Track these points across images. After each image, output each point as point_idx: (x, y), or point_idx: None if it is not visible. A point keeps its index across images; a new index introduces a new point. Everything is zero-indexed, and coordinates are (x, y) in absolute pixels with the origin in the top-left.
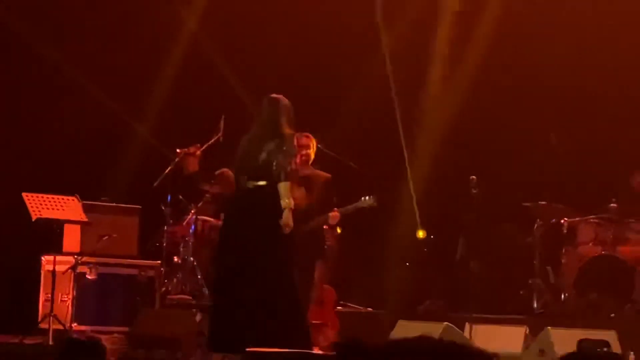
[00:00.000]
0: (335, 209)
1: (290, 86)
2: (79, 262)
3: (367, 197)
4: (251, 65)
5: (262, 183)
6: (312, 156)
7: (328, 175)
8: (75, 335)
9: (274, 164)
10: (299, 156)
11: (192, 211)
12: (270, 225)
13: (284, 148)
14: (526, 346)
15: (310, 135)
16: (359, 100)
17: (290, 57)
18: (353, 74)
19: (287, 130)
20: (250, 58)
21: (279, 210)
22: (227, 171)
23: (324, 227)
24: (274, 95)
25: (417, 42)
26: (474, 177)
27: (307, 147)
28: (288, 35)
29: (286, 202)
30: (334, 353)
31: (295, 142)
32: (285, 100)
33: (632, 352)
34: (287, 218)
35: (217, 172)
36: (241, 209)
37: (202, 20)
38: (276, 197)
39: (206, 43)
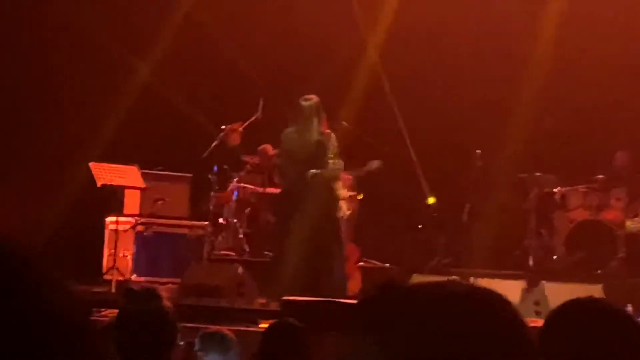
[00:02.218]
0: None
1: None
2: (138, 222)
3: (373, 162)
4: (286, 51)
5: (313, 171)
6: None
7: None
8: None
9: (325, 158)
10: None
11: (235, 179)
12: (324, 204)
13: (328, 143)
14: (523, 298)
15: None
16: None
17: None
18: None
19: (326, 129)
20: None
21: (330, 193)
22: (266, 146)
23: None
24: (309, 95)
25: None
26: (479, 151)
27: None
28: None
29: (339, 186)
30: (374, 293)
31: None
32: (317, 99)
33: (629, 305)
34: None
35: (259, 148)
36: (299, 193)
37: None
38: (326, 182)
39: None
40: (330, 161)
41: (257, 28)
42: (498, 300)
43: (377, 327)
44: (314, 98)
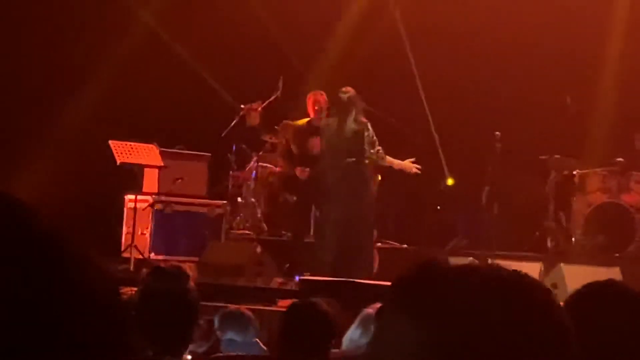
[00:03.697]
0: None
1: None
2: (157, 200)
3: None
4: (303, 33)
5: (351, 160)
6: (325, 111)
7: None
8: (158, 264)
9: (363, 147)
10: (313, 110)
11: (254, 158)
12: (360, 192)
13: (367, 133)
14: (541, 280)
15: (323, 93)
16: (384, 61)
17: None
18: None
19: (364, 119)
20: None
21: (365, 182)
22: (287, 122)
23: None
24: (345, 88)
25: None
26: (498, 132)
27: (320, 102)
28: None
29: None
30: (411, 274)
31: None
32: (354, 91)
33: None
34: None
35: (279, 126)
36: (340, 179)
37: None
38: (365, 170)
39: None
40: (373, 150)
41: (281, 6)
42: (538, 287)
43: (421, 310)
44: (350, 90)
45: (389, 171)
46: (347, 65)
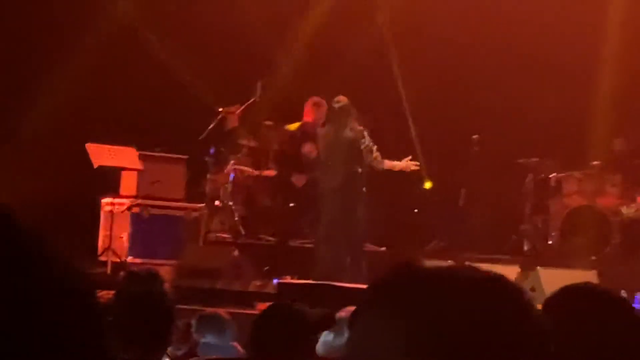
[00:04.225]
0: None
1: (312, 53)
2: (134, 203)
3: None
4: (283, 36)
5: (348, 167)
6: (323, 117)
7: None
8: (133, 268)
9: (360, 154)
10: (314, 115)
11: (232, 162)
12: (357, 200)
13: (364, 140)
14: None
15: (323, 102)
16: (364, 64)
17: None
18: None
19: (360, 126)
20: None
21: (362, 187)
22: (266, 123)
23: None
24: (338, 97)
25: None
26: (476, 136)
27: (322, 109)
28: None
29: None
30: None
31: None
32: (347, 100)
33: (623, 290)
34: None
35: (262, 128)
36: (336, 187)
37: None
38: (361, 178)
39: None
40: (372, 156)
41: (260, 10)
42: (513, 288)
43: (398, 311)
44: (343, 100)
45: (367, 174)
46: (328, 68)
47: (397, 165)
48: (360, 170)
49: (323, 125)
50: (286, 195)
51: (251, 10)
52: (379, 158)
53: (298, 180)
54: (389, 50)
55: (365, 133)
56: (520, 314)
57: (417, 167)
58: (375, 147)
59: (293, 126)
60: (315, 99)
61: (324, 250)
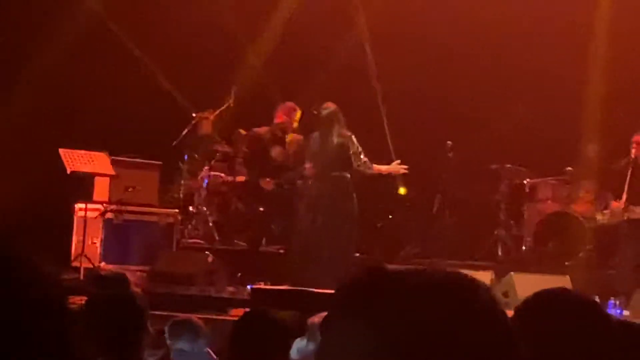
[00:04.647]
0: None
1: (287, 59)
2: (107, 209)
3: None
4: (256, 42)
5: (336, 173)
6: (295, 123)
7: (302, 137)
8: (102, 271)
9: (347, 159)
10: (285, 120)
11: (206, 167)
12: (344, 204)
13: (352, 145)
14: (492, 288)
15: (294, 106)
16: (339, 71)
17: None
18: (332, 47)
19: (346, 132)
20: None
21: (350, 194)
22: (239, 131)
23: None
24: (326, 104)
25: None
26: (450, 142)
27: (293, 114)
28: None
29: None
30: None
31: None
32: (334, 107)
33: (597, 296)
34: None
35: (235, 134)
36: (324, 192)
37: None
38: (348, 184)
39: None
40: (360, 161)
41: (233, 15)
42: (478, 287)
43: (366, 314)
44: (331, 106)
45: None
46: (302, 74)
47: (386, 169)
48: (348, 176)
49: (294, 130)
50: (257, 199)
51: (225, 16)
52: (368, 163)
53: (266, 184)
54: (365, 56)
55: (353, 138)
56: (485, 312)
57: (406, 170)
58: (362, 152)
59: (263, 130)
60: (288, 104)
61: (312, 256)
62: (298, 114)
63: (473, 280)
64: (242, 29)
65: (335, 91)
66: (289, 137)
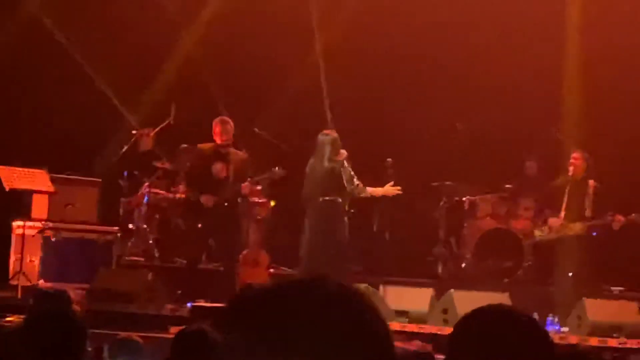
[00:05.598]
0: (248, 180)
1: (232, 78)
2: (46, 227)
3: (276, 168)
4: (196, 59)
5: (327, 197)
6: (231, 136)
7: (244, 154)
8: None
9: (338, 183)
10: (220, 136)
11: (146, 184)
12: (334, 229)
13: (343, 170)
14: (432, 306)
15: (229, 121)
16: (290, 88)
17: (231, 52)
18: (286, 63)
19: (338, 158)
20: (196, 52)
21: (343, 216)
22: (182, 146)
23: (254, 199)
24: (327, 130)
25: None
26: (389, 159)
27: (228, 129)
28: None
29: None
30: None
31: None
32: (334, 134)
33: (536, 313)
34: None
35: (178, 150)
36: (315, 216)
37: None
38: (339, 208)
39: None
40: (353, 185)
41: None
42: (351, 296)
43: (239, 326)
44: (330, 132)
45: (283, 196)
46: (244, 90)
47: (379, 191)
48: (340, 200)
49: (233, 144)
50: (197, 216)
51: (162, 33)
52: (361, 186)
53: (207, 200)
54: (309, 72)
55: (345, 163)
56: (358, 321)
57: (400, 192)
58: (355, 176)
59: (206, 146)
60: (223, 117)
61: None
62: (231, 125)
63: (348, 289)
64: (185, 44)
65: (281, 108)
66: (231, 154)
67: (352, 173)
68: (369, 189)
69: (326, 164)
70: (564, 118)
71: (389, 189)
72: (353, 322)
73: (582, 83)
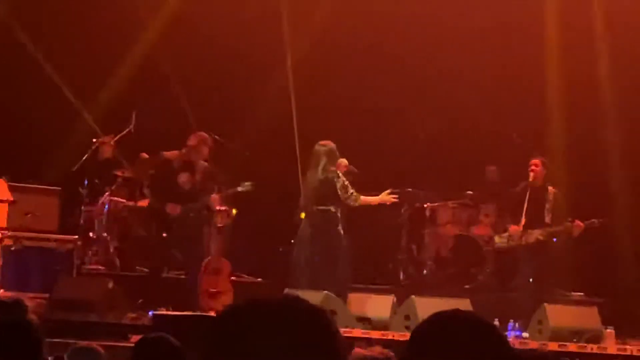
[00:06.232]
0: (216, 193)
1: (196, 86)
2: (5, 235)
3: (245, 183)
4: (159, 65)
5: (322, 207)
6: (205, 151)
7: (211, 166)
8: None
9: (332, 193)
10: (191, 150)
11: (106, 193)
12: (328, 238)
13: (337, 180)
14: (394, 312)
15: (204, 135)
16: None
17: (196, 58)
18: (258, 81)
19: (334, 168)
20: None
21: (333, 228)
22: (142, 155)
23: (217, 208)
24: (324, 142)
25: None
26: (350, 166)
27: (202, 144)
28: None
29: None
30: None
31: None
32: (330, 145)
33: (496, 319)
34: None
35: (138, 159)
36: (309, 225)
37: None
38: (333, 217)
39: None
40: (347, 194)
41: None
42: (312, 312)
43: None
44: (327, 144)
45: (245, 204)
46: (209, 98)
47: (375, 200)
48: (333, 209)
49: (205, 159)
50: (159, 225)
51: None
52: (355, 195)
53: (173, 209)
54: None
55: (339, 173)
56: (320, 336)
57: (396, 199)
58: (349, 186)
59: (171, 154)
60: (201, 133)
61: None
62: (209, 143)
63: (310, 307)
64: (147, 50)
65: (240, 113)
66: (198, 165)
67: (347, 183)
68: (364, 198)
69: (320, 174)
70: (525, 124)
71: (385, 197)
72: (319, 344)
73: (543, 89)
